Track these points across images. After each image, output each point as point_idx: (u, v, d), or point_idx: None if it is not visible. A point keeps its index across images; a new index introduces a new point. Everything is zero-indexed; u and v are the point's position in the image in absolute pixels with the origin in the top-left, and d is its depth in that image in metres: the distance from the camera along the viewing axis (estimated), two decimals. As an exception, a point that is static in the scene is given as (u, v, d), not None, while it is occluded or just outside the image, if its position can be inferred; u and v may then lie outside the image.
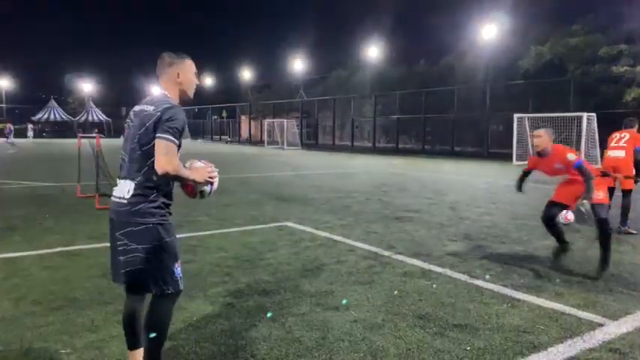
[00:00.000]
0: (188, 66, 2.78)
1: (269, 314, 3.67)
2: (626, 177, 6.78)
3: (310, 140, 40.44)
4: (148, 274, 2.55)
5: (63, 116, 60.18)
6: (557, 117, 21.50)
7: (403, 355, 3.06)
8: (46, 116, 58.95)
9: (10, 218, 7.48)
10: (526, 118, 23.02)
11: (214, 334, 3.34)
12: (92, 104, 61.81)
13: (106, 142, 11.34)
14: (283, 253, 5.51)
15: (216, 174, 2.77)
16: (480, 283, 4.50)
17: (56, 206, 8.67)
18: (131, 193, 2.54)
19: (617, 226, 6.90)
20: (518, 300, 4.06)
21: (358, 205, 9.13)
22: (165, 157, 2.45)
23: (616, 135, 7.11)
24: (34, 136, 49.53)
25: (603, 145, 7.46)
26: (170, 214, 2.65)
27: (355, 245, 5.93)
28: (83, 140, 10.76)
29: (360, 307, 3.86)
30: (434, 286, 4.41)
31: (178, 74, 2.74)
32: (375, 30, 41.60)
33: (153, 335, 2.58)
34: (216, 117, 57.85)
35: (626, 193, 6.99)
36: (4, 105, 58.23)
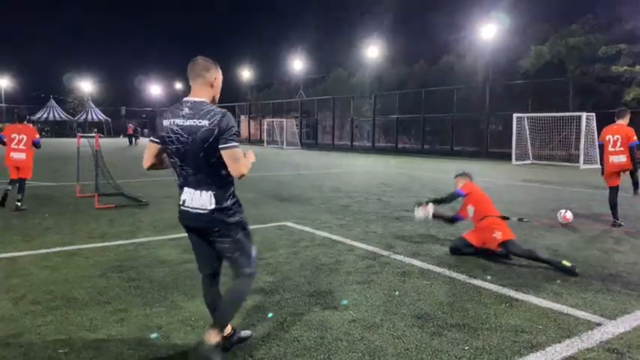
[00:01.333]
0: (220, 73, 2.90)
1: (270, 315, 3.67)
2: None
3: (310, 140, 40.47)
4: (237, 258, 2.91)
5: (62, 116, 60.13)
6: (557, 117, 21.53)
7: (401, 355, 3.07)
8: (45, 116, 58.88)
9: (10, 218, 7.48)
10: (525, 118, 23.04)
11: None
12: (92, 104, 61.77)
13: (106, 142, 11.29)
14: (282, 253, 5.52)
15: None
16: (478, 282, 4.51)
17: (55, 206, 8.68)
18: (213, 204, 2.77)
19: (612, 220, 7.16)
20: (517, 300, 4.07)
21: (357, 204, 9.14)
22: (238, 163, 2.70)
23: (609, 137, 7.23)
24: (34, 136, 49.39)
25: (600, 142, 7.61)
26: (241, 206, 2.94)
27: (354, 245, 5.94)
28: (82, 140, 10.76)
29: (358, 307, 3.87)
30: (432, 286, 4.42)
31: (215, 79, 2.84)
32: (375, 30, 41.51)
33: (229, 306, 2.96)
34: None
35: (613, 190, 7.24)
36: (3, 105, 58.18)
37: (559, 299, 4.08)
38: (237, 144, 2.72)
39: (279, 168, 18.03)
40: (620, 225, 7.10)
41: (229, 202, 2.82)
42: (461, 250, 5.49)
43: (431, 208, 5.88)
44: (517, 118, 22.81)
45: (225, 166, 2.72)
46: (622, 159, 7.12)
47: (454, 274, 4.75)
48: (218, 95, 2.90)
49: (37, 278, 4.52)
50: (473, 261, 5.25)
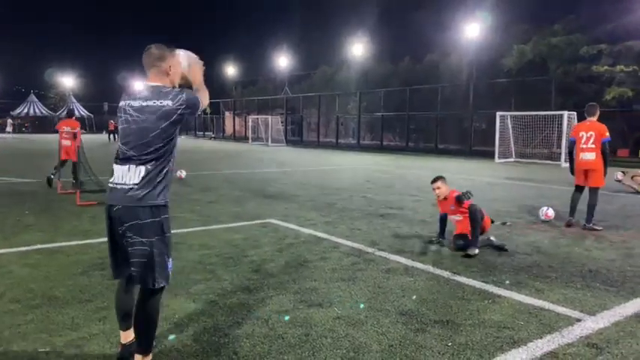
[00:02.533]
0: (177, 59, 2.81)
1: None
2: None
3: (295, 137, 40.39)
4: (148, 266, 2.59)
5: (43, 111, 59.18)
6: (539, 115, 21.80)
7: (386, 352, 3.08)
8: (25, 111, 57.90)
9: (-12, 215, 7.34)
10: (508, 116, 23.30)
11: (197, 332, 3.32)
12: (73, 99, 60.88)
13: (88, 138, 11.13)
14: (267, 250, 5.51)
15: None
16: (461, 279, 4.55)
17: (36, 203, 8.54)
18: (139, 179, 2.58)
19: (582, 223, 7.03)
20: (499, 296, 4.12)
21: (342, 202, 9.15)
22: (205, 100, 2.85)
23: (583, 134, 7.15)
24: (14, 132, 48.63)
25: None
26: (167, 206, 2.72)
27: (339, 242, 5.95)
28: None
29: (343, 304, 3.88)
30: (416, 282, 4.45)
31: (170, 66, 2.76)
32: (360, 27, 41.53)
33: (147, 328, 2.70)
34: (199, 112, 57.34)
35: (594, 191, 7.09)
36: (-18, 99, 57.07)
37: (540, 295, 4.14)
38: (201, 100, 2.80)
39: (264, 165, 17.98)
40: (591, 229, 6.86)
41: (158, 188, 2.61)
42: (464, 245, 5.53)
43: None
44: (500, 116, 23.05)
45: (170, 153, 2.66)
46: (590, 157, 7.03)
47: (438, 271, 4.79)
48: (177, 81, 2.83)
49: (16, 276, 4.44)
50: (456, 258, 5.30)
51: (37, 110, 58.70)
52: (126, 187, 2.59)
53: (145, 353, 2.71)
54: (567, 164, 7.84)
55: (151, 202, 2.58)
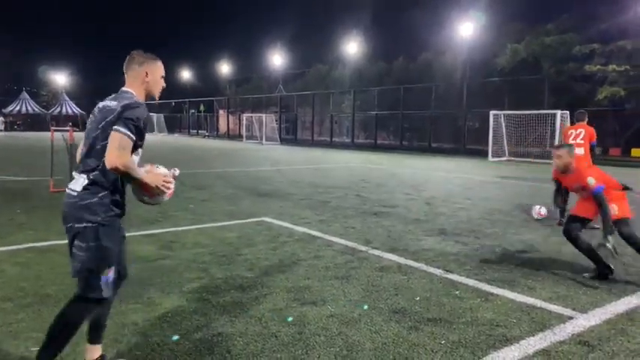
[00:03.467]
0: (158, 67, 2.76)
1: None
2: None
3: (289, 135, 40.35)
4: (77, 271, 2.53)
5: (35, 109, 58.75)
6: (532, 114, 21.91)
7: (379, 350, 3.09)
8: (17, 109, 57.46)
9: (-20, 213, 7.28)
10: (502, 115, 23.39)
11: (190, 330, 3.31)
12: (66, 97, 60.49)
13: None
14: (261, 249, 5.50)
15: (172, 185, 2.69)
16: (454, 277, 4.57)
17: (28, 201, 8.48)
18: (83, 186, 2.49)
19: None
20: (492, 294, 4.13)
21: (336, 200, 9.16)
22: (117, 152, 2.38)
23: (572, 132, 7.46)
24: (6, 129, 48.28)
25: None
26: (119, 215, 2.61)
27: (333, 240, 5.95)
28: (56, 134, 10.53)
29: (336, 302, 3.88)
30: (410, 280, 4.46)
31: (147, 74, 2.70)
32: (355, 26, 41.63)
33: (53, 336, 2.59)
34: (193, 111, 57.21)
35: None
36: (-27, 96, 56.60)
37: (533, 293, 4.16)
38: (129, 133, 2.43)
39: (258, 163, 17.95)
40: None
41: (99, 196, 2.50)
42: (578, 238, 4.70)
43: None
44: (494, 115, 23.14)
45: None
46: (579, 151, 7.11)
47: (431, 269, 4.80)
48: (155, 90, 2.75)
49: (8, 275, 4.41)
50: (449, 256, 5.32)
51: (29, 108, 58.26)
52: (72, 192, 2.56)
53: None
54: None
55: (85, 215, 2.50)
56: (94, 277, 2.53)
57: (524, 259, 5.25)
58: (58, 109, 58.81)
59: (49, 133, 11.05)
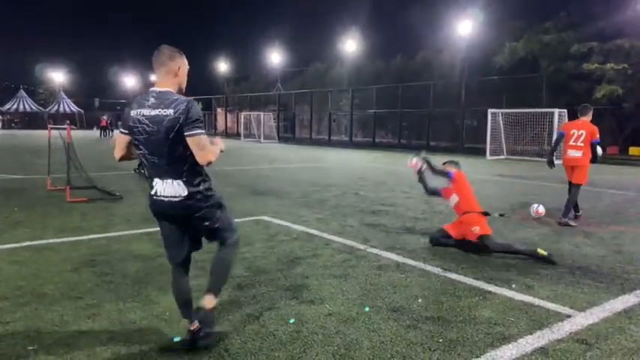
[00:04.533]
0: (186, 62, 2.87)
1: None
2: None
3: (287, 134, 40.31)
4: (221, 233, 3.05)
5: (33, 107, 58.60)
6: (530, 113, 21.93)
7: (377, 348, 3.09)
8: (15, 107, 57.32)
9: (-23, 212, 7.26)
10: (500, 114, 23.40)
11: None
12: (64, 95, 60.33)
13: (77, 134, 11.08)
14: (259, 247, 5.49)
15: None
16: (452, 276, 4.57)
17: (25, 199, 8.45)
18: (185, 192, 2.79)
19: (574, 214, 7.11)
20: (490, 292, 4.14)
21: (334, 199, 9.15)
22: (204, 151, 2.71)
23: (574, 132, 7.23)
24: (3, 127, 48.17)
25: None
26: (213, 190, 2.98)
27: (331, 239, 5.94)
28: (54, 132, 10.49)
29: (334, 301, 3.87)
30: (408, 279, 4.46)
31: (179, 68, 2.80)
32: (353, 24, 41.63)
33: (222, 271, 3.14)
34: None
35: (575, 187, 7.19)
36: (-30, 94, 56.42)
37: (531, 292, 4.16)
38: (201, 131, 2.73)
39: (257, 162, 17.94)
40: (566, 224, 6.88)
41: (201, 188, 2.85)
42: (439, 241, 5.60)
43: (423, 165, 5.96)
44: (492, 113, 23.15)
45: (192, 155, 2.73)
46: (577, 154, 7.14)
47: (429, 268, 4.80)
48: (184, 84, 2.89)
49: (5, 273, 4.39)
50: (447, 254, 5.32)
51: (26, 106, 58.12)
52: (174, 199, 2.80)
53: (215, 294, 3.04)
54: (558, 162, 7.87)
55: (202, 205, 2.88)
56: (232, 227, 3.17)
57: (522, 257, 5.25)
58: (56, 107, 58.68)
59: (46, 132, 11.01)
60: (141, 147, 2.77)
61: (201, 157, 2.71)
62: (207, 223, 2.96)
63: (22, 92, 58.84)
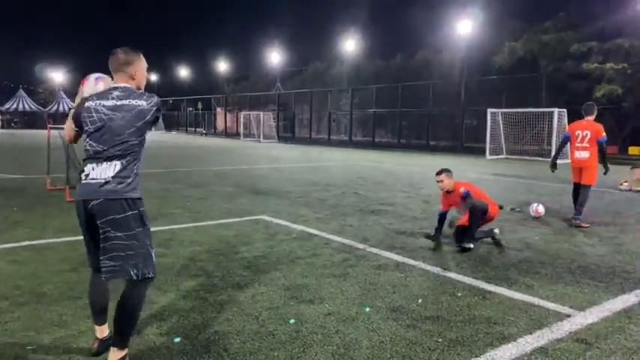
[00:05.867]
0: (143, 63, 2.90)
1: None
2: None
3: (287, 133, 40.32)
4: (130, 258, 2.68)
5: (32, 106, 58.57)
6: (530, 112, 21.94)
7: (376, 348, 3.08)
8: (14, 106, 57.29)
9: (-24, 211, 7.25)
10: (499, 113, 23.41)
11: (186, 329, 3.30)
12: (63, 94, 60.29)
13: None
14: (258, 247, 5.49)
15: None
16: (452, 275, 4.57)
17: (25, 199, 8.44)
18: (117, 170, 2.67)
19: (570, 218, 7.07)
20: (489, 292, 4.13)
21: (334, 198, 9.15)
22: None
23: (579, 132, 7.19)
24: (3, 127, 48.15)
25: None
26: (141, 199, 2.82)
27: (330, 238, 5.94)
28: (53, 131, 10.47)
29: (334, 300, 3.87)
30: (407, 279, 4.46)
31: (136, 72, 2.85)
32: (353, 23, 41.67)
33: (129, 319, 2.78)
34: (191, 109, 57.10)
35: (585, 188, 7.12)
36: (-31, 94, 56.38)
37: (530, 291, 4.16)
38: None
39: (256, 161, 17.93)
40: (579, 225, 6.86)
41: (133, 182, 2.72)
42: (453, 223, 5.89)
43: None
44: (491, 113, 23.16)
45: (141, 148, 2.79)
46: (585, 155, 7.10)
47: (428, 267, 4.80)
48: (142, 85, 2.93)
49: (4, 273, 4.39)
50: (447, 254, 5.32)
51: (26, 106, 58.09)
52: (101, 180, 2.66)
53: (122, 347, 2.74)
54: (557, 161, 7.85)
55: (127, 195, 2.67)
56: (150, 256, 2.82)
57: (521, 257, 5.25)
58: (55, 107, 58.64)
59: (46, 131, 10.99)
60: (91, 134, 2.74)
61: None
62: (119, 239, 2.71)
63: (22, 92, 58.80)
